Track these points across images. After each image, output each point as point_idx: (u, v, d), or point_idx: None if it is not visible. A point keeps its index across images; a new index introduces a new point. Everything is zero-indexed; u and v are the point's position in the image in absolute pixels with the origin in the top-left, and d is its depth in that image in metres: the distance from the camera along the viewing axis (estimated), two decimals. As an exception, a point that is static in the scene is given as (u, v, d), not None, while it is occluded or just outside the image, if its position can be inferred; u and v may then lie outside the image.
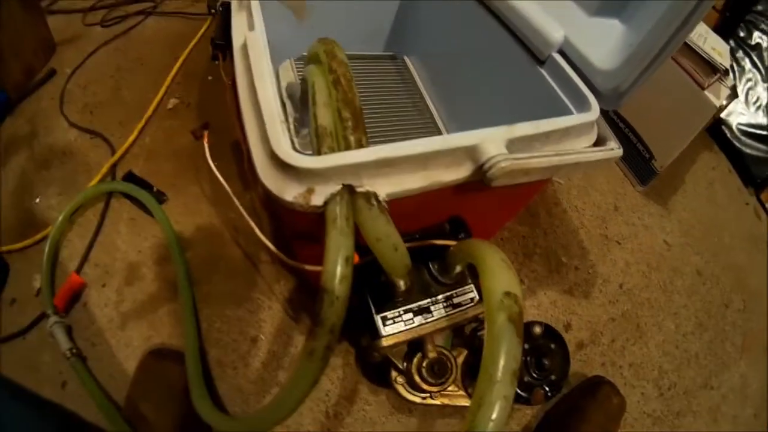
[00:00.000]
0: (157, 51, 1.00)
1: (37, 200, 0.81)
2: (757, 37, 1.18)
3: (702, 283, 0.90)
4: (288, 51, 0.73)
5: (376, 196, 0.37)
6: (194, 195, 0.80)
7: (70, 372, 0.65)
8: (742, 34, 1.18)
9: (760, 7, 1.18)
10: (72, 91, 0.96)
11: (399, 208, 0.40)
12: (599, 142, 0.53)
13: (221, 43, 0.60)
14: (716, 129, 1.14)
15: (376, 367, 0.63)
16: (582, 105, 0.52)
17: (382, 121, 0.70)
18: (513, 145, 0.42)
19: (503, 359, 0.32)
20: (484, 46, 0.66)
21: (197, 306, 0.69)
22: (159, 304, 0.70)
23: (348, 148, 0.39)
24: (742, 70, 1.16)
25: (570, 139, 0.49)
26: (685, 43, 0.87)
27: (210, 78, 0.94)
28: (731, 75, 1.12)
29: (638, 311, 0.81)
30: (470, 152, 0.40)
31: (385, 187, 0.38)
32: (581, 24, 0.58)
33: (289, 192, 0.37)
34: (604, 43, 0.54)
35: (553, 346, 0.58)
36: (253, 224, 0.50)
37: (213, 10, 0.86)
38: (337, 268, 0.34)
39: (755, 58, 1.16)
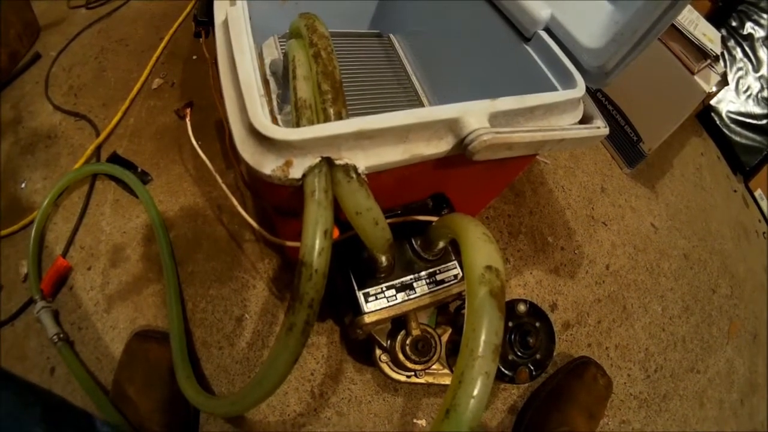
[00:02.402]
0: (141, 31, 0.99)
1: (23, 185, 0.80)
2: (749, 27, 1.18)
3: (689, 267, 0.91)
4: (272, 29, 0.73)
5: (355, 168, 0.37)
6: (178, 174, 0.80)
7: (57, 357, 0.64)
8: (734, 24, 1.18)
9: None
10: (56, 74, 0.94)
11: (379, 182, 0.39)
12: (585, 120, 0.53)
13: (204, 20, 0.59)
14: (706, 116, 1.15)
15: (361, 346, 0.64)
16: (568, 82, 0.52)
17: (367, 98, 0.69)
18: (496, 119, 0.42)
19: (484, 334, 0.31)
20: (469, 23, 0.66)
21: (182, 286, 0.69)
22: (144, 285, 0.70)
23: (327, 120, 0.39)
24: (734, 59, 1.17)
25: (555, 115, 0.49)
26: (676, 28, 0.87)
27: (194, 57, 0.93)
28: (722, 63, 1.13)
29: (624, 293, 0.82)
30: (452, 125, 0.40)
31: (364, 160, 0.37)
32: (568, 1, 0.58)
33: (268, 165, 0.36)
34: (590, 21, 0.54)
35: (538, 324, 0.58)
36: (235, 201, 0.49)
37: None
38: (315, 241, 0.34)
39: (747, 48, 1.17)
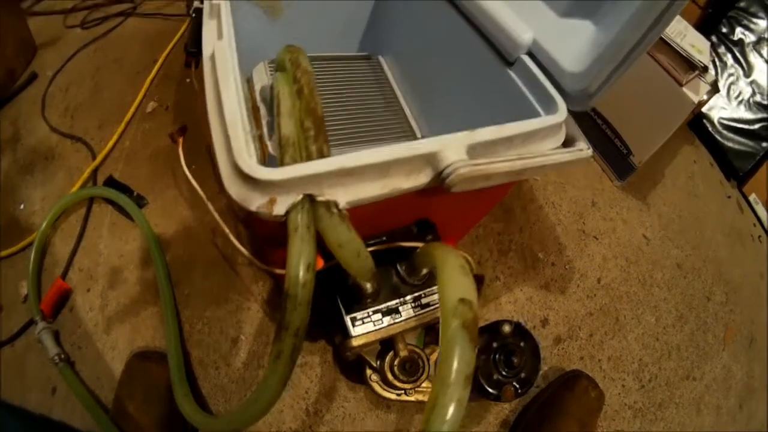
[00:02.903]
0: (136, 51, 1.01)
1: (22, 206, 0.82)
2: (739, 32, 1.19)
3: (683, 276, 0.91)
4: (262, 53, 0.74)
5: (336, 204, 0.38)
6: (172, 198, 0.82)
7: (58, 377, 0.66)
8: (724, 30, 1.19)
9: (742, 4, 1.19)
10: (53, 94, 0.96)
11: (361, 213, 0.41)
12: (568, 142, 0.54)
13: (193, 50, 0.61)
14: (698, 123, 1.15)
15: (353, 365, 0.65)
16: (550, 106, 0.53)
17: (355, 122, 0.71)
18: (475, 150, 0.43)
19: (456, 364, 0.33)
20: (454, 46, 0.67)
21: (178, 307, 0.71)
22: (141, 306, 0.72)
23: (309, 157, 0.40)
24: (725, 65, 1.18)
25: (536, 141, 0.50)
26: (663, 40, 0.88)
27: (188, 80, 0.95)
28: (713, 70, 1.14)
29: (617, 305, 0.83)
30: (430, 159, 0.41)
31: (345, 196, 0.39)
32: (550, 25, 0.59)
33: (253, 202, 0.38)
34: (572, 44, 0.55)
35: (522, 344, 0.60)
36: (227, 229, 0.51)
37: (192, 12, 0.87)
38: (299, 274, 0.36)
39: (737, 54, 1.18)
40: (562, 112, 0.51)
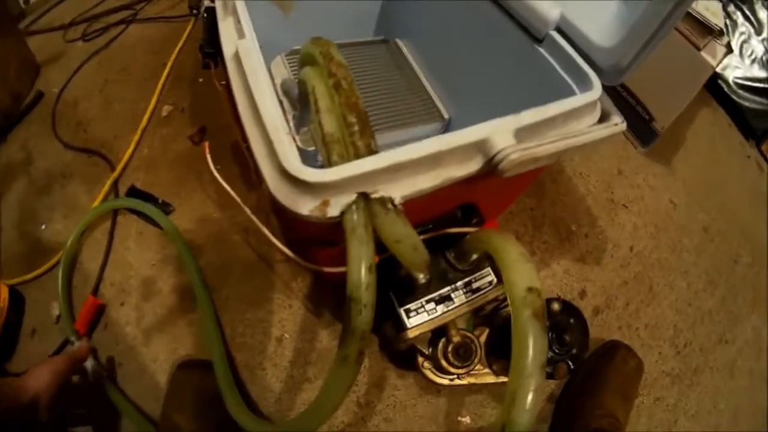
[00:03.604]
0: (142, 58, 1.00)
1: (43, 227, 0.81)
2: None
3: (710, 240, 0.92)
4: (276, 46, 0.73)
5: (391, 200, 0.38)
6: (199, 201, 0.81)
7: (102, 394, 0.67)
8: None
9: None
10: (62, 111, 0.95)
11: (413, 205, 0.41)
12: (603, 117, 0.53)
13: (210, 51, 0.60)
14: (713, 84, 1.14)
15: (401, 353, 0.66)
16: (584, 83, 0.52)
17: (381, 107, 0.70)
18: (520, 133, 0.43)
19: (531, 353, 0.33)
20: (478, 26, 0.66)
21: (218, 312, 0.71)
22: (179, 315, 0.72)
23: (357, 154, 0.40)
24: (735, 24, 1.16)
25: (575, 119, 0.50)
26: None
27: (201, 80, 0.94)
28: (725, 30, 1.12)
29: (649, 272, 0.83)
30: (480, 146, 0.41)
31: (399, 190, 0.39)
32: (578, 0, 0.58)
33: (304, 206, 0.37)
34: (602, 19, 0.54)
35: (572, 320, 0.60)
36: (265, 229, 0.51)
37: (195, 11, 0.85)
38: (361, 277, 0.36)
39: (747, 11, 1.16)
40: (597, 89, 0.51)
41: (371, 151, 0.40)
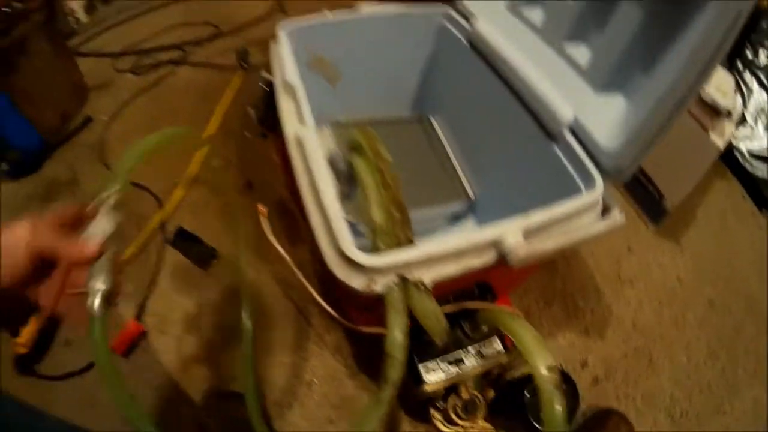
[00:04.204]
0: (191, 103, 1.18)
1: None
2: (763, 57, 1.28)
3: (714, 313, 1.06)
4: (321, 113, 0.90)
5: (423, 283, 0.54)
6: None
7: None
8: (749, 56, 1.30)
9: (765, 25, 1.28)
10: (110, 141, 1.13)
11: (439, 284, 0.57)
12: (605, 209, 0.69)
13: (266, 123, 0.77)
14: (728, 155, 1.28)
15: (414, 403, 0.81)
16: (589, 181, 0.68)
17: (413, 185, 0.87)
18: (529, 231, 0.59)
19: (558, 412, 0.50)
20: (501, 114, 0.83)
21: (255, 352, 0.86)
22: (218, 350, 0.88)
23: (399, 243, 0.56)
24: (750, 92, 1.28)
25: (578, 215, 0.65)
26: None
27: (247, 134, 1.12)
28: (740, 99, 1.26)
29: (650, 346, 0.98)
30: (494, 243, 0.57)
31: (429, 275, 0.55)
32: (588, 99, 0.75)
33: (356, 281, 0.54)
34: (607, 120, 0.71)
35: (564, 386, 0.75)
36: (312, 290, 0.66)
37: (244, 65, 1.03)
38: (397, 340, 0.52)
39: (763, 79, 1.28)
40: (599, 188, 0.67)
41: (409, 241, 0.57)
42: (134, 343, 0.89)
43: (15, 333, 0.87)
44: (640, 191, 1.11)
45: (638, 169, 1.13)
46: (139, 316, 0.91)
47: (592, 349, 0.95)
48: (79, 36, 1.38)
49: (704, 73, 0.58)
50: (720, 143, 1.00)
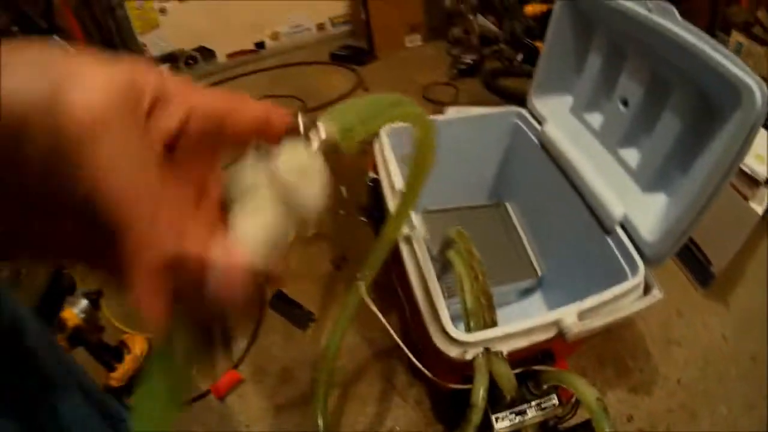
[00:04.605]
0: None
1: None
2: None
3: (756, 368, 1.26)
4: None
5: (502, 353, 0.81)
6: (335, 317, 1.23)
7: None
8: None
9: None
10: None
11: (512, 353, 0.84)
12: (647, 288, 0.95)
13: (372, 214, 1.06)
14: None
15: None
16: (634, 268, 0.94)
17: (490, 264, 1.15)
18: (583, 313, 0.86)
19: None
20: (564, 206, 1.09)
21: (345, 405, 1.13)
22: (308, 401, 1.14)
23: (485, 324, 0.84)
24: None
25: (624, 297, 0.91)
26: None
27: (341, 212, 1.41)
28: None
29: (693, 400, 1.19)
30: (555, 323, 0.83)
31: (506, 347, 0.81)
32: (636, 198, 1.00)
33: (452, 351, 0.81)
34: (652, 216, 0.96)
35: None
36: (407, 351, 0.95)
37: (370, 182, 1.34)
38: (480, 394, 0.79)
39: None
40: (641, 274, 0.92)
41: (494, 323, 0.84)
42: (231, 389, 1.17)
43: (111, 368, 1.14)
44: (690, 258, 1.36)
45: (689, 238, 1.38)
46: (237, 365, 1.20)
47: (639, 405, 1.17)
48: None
49: (729, 173, 0.80)
50: (759, 210, 1.22)
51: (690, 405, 1.20)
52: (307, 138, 0.30)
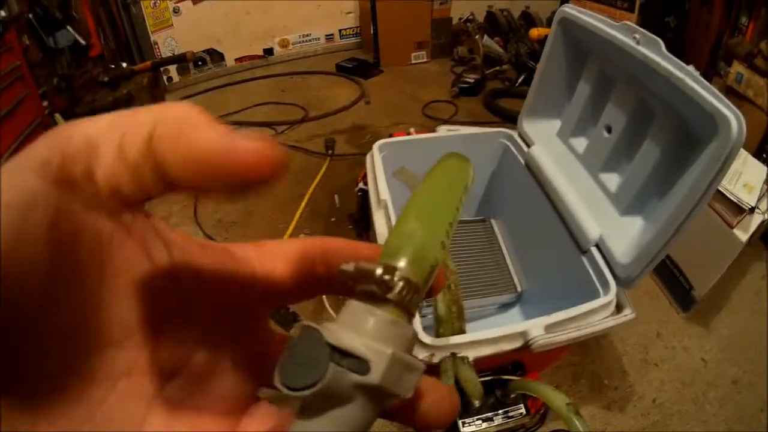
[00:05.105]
0: (283, 183, 1.54)
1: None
2: None
3: (737, 393, 1.29)
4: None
5: (467, 358, 0.87)
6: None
7: None
8: None
9: None
10: (204, 203, 1.51)
11: (480, 360, 0.89)
12: (618, 308, 1.00)
13: (361, 223, 1.12)
14: None
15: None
16: (606, 287, 0.99)
17: (470, 278, 1.21)
18: (550, 327, 0.91)
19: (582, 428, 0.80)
20: (545, 225, 1.14)
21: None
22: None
23: (454, 331, 0.89)
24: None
25: (593, 314, 0.96)
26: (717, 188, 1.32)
27: (333, 219, 1.46)
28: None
29: (668, 421, 1.23)
30: (522, 334, 0.89)
31: (472, 353, 0.86)
32: (612, 220, 1.05)
33: (420, 354, 0.86)
34: (626, 239, 1.01)
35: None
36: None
37: (330, 152, 1.41)
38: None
39: None
40: (612, 293, 0.97)
41: (462, 331, 0.90)
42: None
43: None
44: (672, 282, 1.40)
45: (671, 262, 1.43)
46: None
47: (611, 421, 1.21)
48: (169, 94, 1.78)
49: (702, 200, 0.85)
50: (744, 237, 1.28)
51: (664, 425, 1.25)
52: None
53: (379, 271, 0.19)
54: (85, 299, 0.17)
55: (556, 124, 1.27)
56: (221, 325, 0.22)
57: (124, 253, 0.18)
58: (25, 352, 0.16)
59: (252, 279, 0.22)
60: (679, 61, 0.88)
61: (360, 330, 0.18)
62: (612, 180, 1.10)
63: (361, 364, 0.17)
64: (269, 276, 0.22)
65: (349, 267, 0.19)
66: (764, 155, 1.63)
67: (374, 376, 0.17)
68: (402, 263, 0.19)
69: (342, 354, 0.17)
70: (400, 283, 0.19)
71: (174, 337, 0.20)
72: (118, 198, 0.17)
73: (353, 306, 0.19)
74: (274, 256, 0.22)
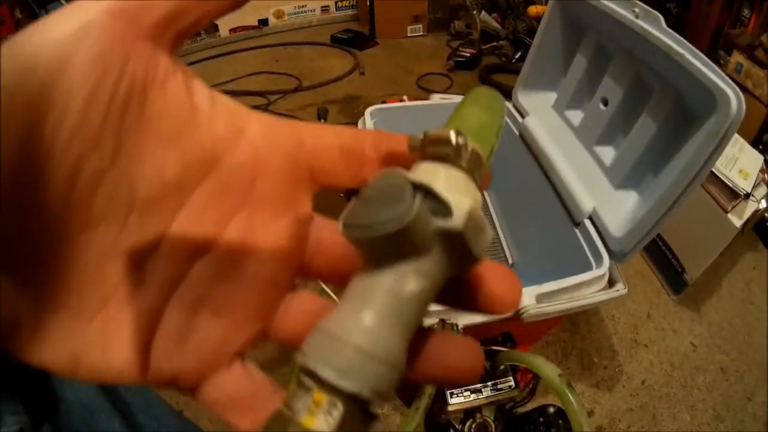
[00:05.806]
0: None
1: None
2: None
3: (725, 380, 1.31)
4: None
5: (456, 326, 0.87)
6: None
7: None
8: None
9: None
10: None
11: (470, 329, 0.89)
12: (611, 282, 1.01)
13: (354, 193, 1.11)
14: (762, 228, 1.54)
15: (438, 425, 1.13)
16: (599, 260, 1.00)
17: None
18: (541, 297, 0.91)
19: (575, 403, 0.79)
20: (538, 197, 1.14)
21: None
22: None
23: (443, 298, 0.89)
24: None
25: (585, 287, 0.97)
26: (712, 171, 1.33)
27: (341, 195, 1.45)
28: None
29: (656, 404, 1.25)
30: (512, 303, 0.89)
31: (461, 321, 0.87)
32: (607, 194, 1.06)
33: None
34: (620, 212, 1.02)
35: (560, 422, 1.05)
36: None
37: (323, 120, 1.40)
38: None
39: None
40: (605, 266, 0.98)
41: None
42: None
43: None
44: (664, 264, 1.41)
45: (663, 244, 1.44)
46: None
47: (600, 400, 1.23)
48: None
49: (698, 177, 0.84)
50: (738, 223, 1.29)
51: (652, 407, 1.26)
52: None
53: (452, 135, 0.18)
54: (122, 142, 0.16)
55: (552, 96, 1.27)
56: (262, 194, 0.20)
57: (167, 96, 0.17)
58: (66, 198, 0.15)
59: (299, 149, 0.20)
60: (679, 36, 0.88)
61: (436, 181, 0.17)
62: (607, 153, 1.10)
63: (443, 208, 0.16)
64: (319, 151, 0.21)
65: (418, 135, 0.19)
66: (761, 146, 1.64)
67: (458, 222, 0.16)
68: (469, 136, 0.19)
69: (424, 195, 0.16)
70: (471, 150, 0.19)
71: (212, 202, 0.18)
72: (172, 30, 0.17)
73: (425, 165, 0.18)
74: (325, 132, 0.21)
